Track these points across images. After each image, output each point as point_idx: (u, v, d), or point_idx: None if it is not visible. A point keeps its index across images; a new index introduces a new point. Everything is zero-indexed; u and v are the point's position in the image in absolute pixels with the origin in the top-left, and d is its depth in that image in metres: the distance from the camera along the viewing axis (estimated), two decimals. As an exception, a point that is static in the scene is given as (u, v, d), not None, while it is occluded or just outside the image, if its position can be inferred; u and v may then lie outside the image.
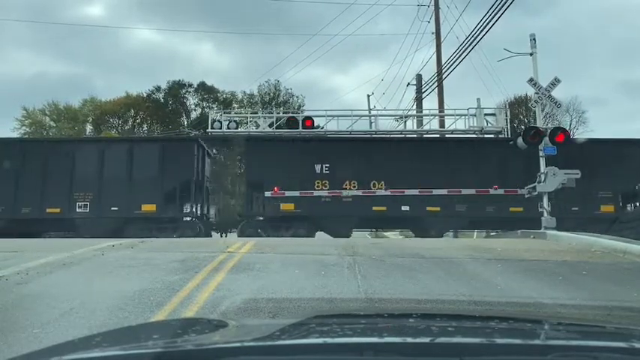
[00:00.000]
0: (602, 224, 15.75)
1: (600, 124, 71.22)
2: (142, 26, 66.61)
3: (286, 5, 73.37)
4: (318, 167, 17.19)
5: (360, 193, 17.10)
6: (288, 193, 17.02)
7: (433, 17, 26.20)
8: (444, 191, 17.05)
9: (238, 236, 16.82)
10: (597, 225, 15.25)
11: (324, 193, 17.07)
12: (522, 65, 16.81)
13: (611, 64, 66.28)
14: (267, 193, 17.12)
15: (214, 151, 20.69)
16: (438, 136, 21.50)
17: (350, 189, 17.14)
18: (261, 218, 17.55)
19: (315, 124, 20.35)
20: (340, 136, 19.95)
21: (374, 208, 17.06)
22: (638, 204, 17.90)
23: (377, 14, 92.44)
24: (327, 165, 17.21)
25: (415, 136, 21.49)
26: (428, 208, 17.07)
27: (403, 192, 17.04)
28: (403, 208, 17.06)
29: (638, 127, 62.54)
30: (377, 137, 20.15)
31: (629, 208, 17.47)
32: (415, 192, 17.02)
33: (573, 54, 65.98)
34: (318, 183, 17.16)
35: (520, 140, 16.43)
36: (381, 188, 17.17)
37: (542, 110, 18.82)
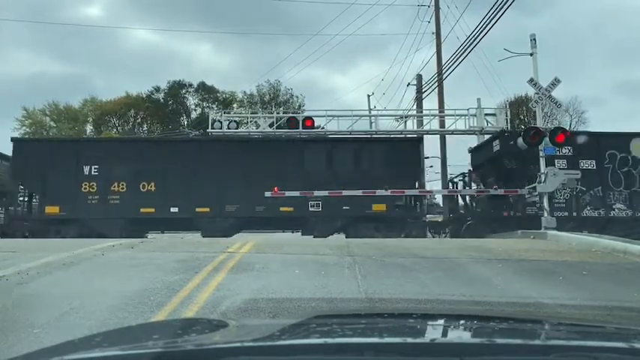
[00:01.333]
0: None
1: (599, 124, 71.40)
2: (140, 27, 66.71)
3: (286, 5, 73.43)
4: (86, 169, 17.17)
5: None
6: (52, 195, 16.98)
7: (433, 17, 26.22)
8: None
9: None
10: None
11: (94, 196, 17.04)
12: (521, 65, 16.85)
13: (609, 64, 66.40)
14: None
15: None
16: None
17: (119, 190, 17.06)
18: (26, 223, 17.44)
19: (316, 124, 20.33)
20: (108, 137, 19.99)
21: (142, 209, 16.86)
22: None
23: (377, 14, 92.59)
24: (97, 167, 17.16)
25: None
26: (198, 210, 16.99)
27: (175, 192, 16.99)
28: (172, 209, 16.97)
29: (634, 127, 62.44)
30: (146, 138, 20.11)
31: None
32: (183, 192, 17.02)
33: (571, 54, 66.11)
34: (85, 185, 17.07)
35: (520, 140, 16.46)
36: (151, 189, 17.13)
37: (542, 110, 18.79)
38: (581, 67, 65.08)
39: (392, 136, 20.36)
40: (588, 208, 17.32)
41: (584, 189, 17.21)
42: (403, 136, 20.54)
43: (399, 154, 17.51)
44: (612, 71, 67.35)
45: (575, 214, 17.09)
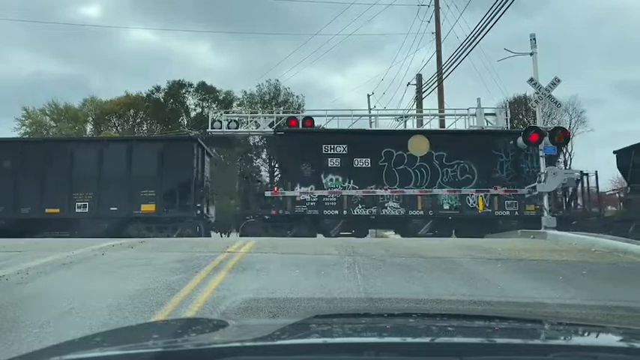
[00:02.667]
0: None
1: (598, 125, 71.47)
2: (139, 26, 66.72)
3: (285, 5, 73.41)
4: None
5: None
6: None
7: (433, 17, 26.23)
8: None
9: None
10: None
11: None
12: (521, 65, 16.90)
13: (607, 64, 66.47)
14: None
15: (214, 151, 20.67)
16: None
17: None
18: None
19: (316, 124, 20.33)
20: None
21: None
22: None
23: (376, 14, 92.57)
24: None
25: None
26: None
27: None
28: None
29: (629, 128, 62.53)
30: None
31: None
32: None
33: (568, 54, 66.12)
34: None
35: (520, 140, 16.48)
36: None
37: (542, 110, 18.83)
38: (580, 67, 65.16)
39: (166, 135, 20.36)
40: (360, 207, 17.20)
41: (357, 187, 17.20)
42: (176, 135, 20.49)
43: (172, 154, 17.26)
44: (610, 71, 67.44)
45: (345, 212, 17.04)
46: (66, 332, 4.28)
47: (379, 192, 17.06)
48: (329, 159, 17.41)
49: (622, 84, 64.93)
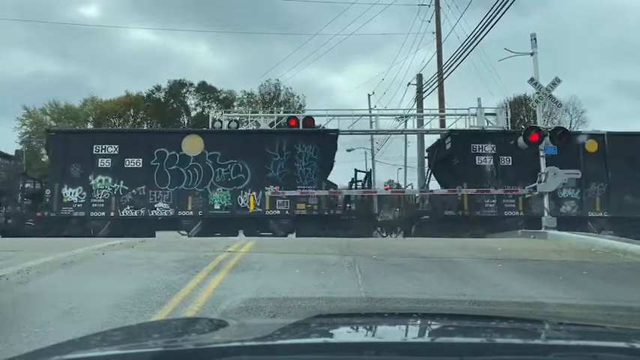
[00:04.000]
0: None
1: (598, 125, 71.45)
2: (138, 26, 66.72)
3: (285, 5, 73.40)
4: None
5: None
6: None
7: (433, 17, 26.22)
8: None
9: None
10: None
11: None
12: (521, 65, 16.90)
13: (605, 64, 66.52)
14: None
15: None
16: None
17: None
18: None
19: (316, 124, 20.33)
20: None
21: None
22: None
23: (377, 14, 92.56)
24: None
25: None
26: None
27: None
28: None
29: (629, 128, 62.56)
30: None
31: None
32: None
33: (567, 54, 66.15)
34: None
35: (521, 140, 16.47)
36: None
37: (542, 110, 18.84)
38: (577, 67, 65.19)
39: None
40: (128, 208, 17.12)
41: (127, 188, 17.10)
42: None
43: None
44: (608, 71, 67.52)
45: (112, 214, 16.87)
46: (66, 332, 4.28)
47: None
48: (99, 159, 17.18)
49: (620, 84, 65.05)
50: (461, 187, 17.28)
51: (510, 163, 17.53)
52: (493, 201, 17.42)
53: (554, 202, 16.69)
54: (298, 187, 17.23)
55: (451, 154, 18.43)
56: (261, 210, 17.11)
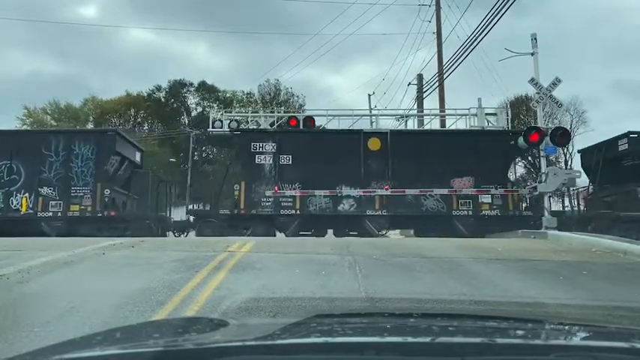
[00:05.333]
0: None
1: (597, 125, 71.50)
2: (138, 26, 66.68)
3: (284, 5, 73.38)
4: None
5: None
6: None
7: (434, 17, 26.22)
8: None
9: None
10: None
11: None
12: (521, 65, 16.89)
13: (605, 64, 66.52)
14: None
15: None
16: None
17: None
18: None
19: (317, 124, 20.32)
20: None
21: None
22: None
23: (377, 15, 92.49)
24: None
25: None
26: None
27: None
28: None
29: (628, 127, 62.46)
30: None
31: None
32: None
33: (566, 54, 66.17)
34: None
35: (521, 140, 16.47)
36: None
37: (543, 110, 18.82)
38: (578, 67, 65.22)
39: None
40: None
41: None
42: None
43: None
44: (609, 71, 67.55)
45: None
46: (67, 331, 4.29)
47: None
48: None
49: (620, 84, 65.06)
50: None
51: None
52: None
53: (331, 201, 16.86)
54: (73, 188, 16.81)
55: None
56: (32, 212, 16.67)
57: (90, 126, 47.46)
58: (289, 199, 17.12)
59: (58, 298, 5.46)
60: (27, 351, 1.58)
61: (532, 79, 15.76)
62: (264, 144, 17.49)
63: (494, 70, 70.42)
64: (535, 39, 15.89)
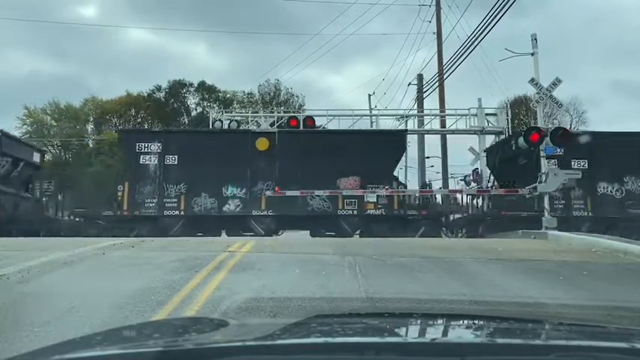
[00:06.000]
0: None
1: (596, 125, 71.44)
2: (137, 26, 66.72)
3: (284, 5, 73.45)
4: None
5: None
6: None
7: (434, 17, 26.22)
8: None
9: None
10: None
11: None
12: (520, 66, 16.89)
13: (604, 64, 66.56)
14: None
15: None
16: None
17: None
18: None
19: (317, 124, 20.32)
20: None
21: None
22: None
23: (377, 15, 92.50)
24: None
25: None
26: None
27: None
28: None
29: (627, 127, 62.53)
30: None
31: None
32: None
33: (566, 54, 66.19)
34: None
35: (521, 140, 16.46)
36: None
37: (543, 110, 18.82)
38: (578, 67, 65.25)
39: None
40: None
41: None
42: None
43: None
44: (608, 71, 67.61)
45: None
46: (67, 331, 4.28)
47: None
48: None
49: (619, 84, 65.13)
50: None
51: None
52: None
53: (217, 201, 16.77)
54: None
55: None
56: None
57: (91, 126, 47.45)
58: (174, 200, 16.91)
59: (58, 298, 5.45)
60: (27, 351, 1.58)
61: (532, 80, 15.75)
62: (150, 144, 17.20)
63: (494, 70, 70.35)
64: (535, 39, 15.86)
